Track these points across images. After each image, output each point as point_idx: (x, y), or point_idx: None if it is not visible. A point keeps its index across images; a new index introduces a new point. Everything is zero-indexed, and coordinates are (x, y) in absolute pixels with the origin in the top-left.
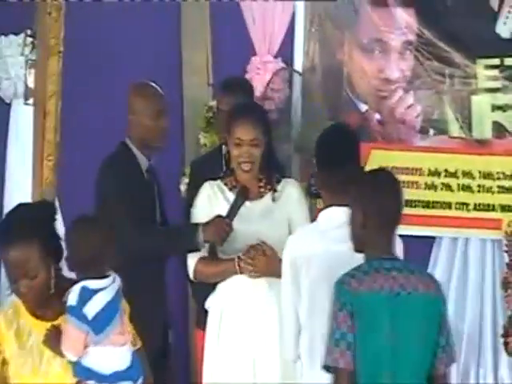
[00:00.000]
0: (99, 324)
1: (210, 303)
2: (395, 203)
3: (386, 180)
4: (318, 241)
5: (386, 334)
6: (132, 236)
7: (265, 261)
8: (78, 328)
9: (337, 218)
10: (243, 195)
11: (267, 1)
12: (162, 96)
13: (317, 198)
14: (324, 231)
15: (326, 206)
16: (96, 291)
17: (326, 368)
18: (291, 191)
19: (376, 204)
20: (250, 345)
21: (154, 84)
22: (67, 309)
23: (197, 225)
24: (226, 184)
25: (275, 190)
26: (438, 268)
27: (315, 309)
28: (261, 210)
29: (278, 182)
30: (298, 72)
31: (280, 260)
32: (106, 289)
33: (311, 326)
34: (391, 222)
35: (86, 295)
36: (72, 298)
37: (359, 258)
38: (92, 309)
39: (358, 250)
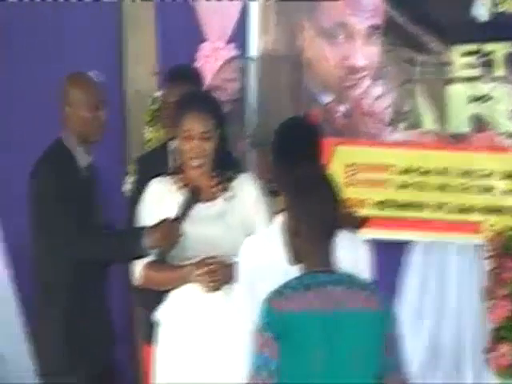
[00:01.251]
0: None
1: (161, 315)
2: (331, 209)
3: (321, 183)
4: (275, 248)
5: (318, 359)
6: (70, 242)
7: (221, 275)
8: None
9: None
10: (194, 196)
11: None
12: (101, 85)
13: (276, 196)
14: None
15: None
16: None
17: None
18: (248, 188)
19: (310, 210)
20: (206, 361)
21: (91, 73)
22: None
23: (142, 229)
24: (175, 182)
25: (229, 191)
26: (411, 277)
27: None
28: (214, 212)
29: (233, 179)
30: (252, 59)
31: (235, 267)
32: None
33: None
34: (328, 230)
35: None
36: None
37: None
38: None
39: (294, 262)
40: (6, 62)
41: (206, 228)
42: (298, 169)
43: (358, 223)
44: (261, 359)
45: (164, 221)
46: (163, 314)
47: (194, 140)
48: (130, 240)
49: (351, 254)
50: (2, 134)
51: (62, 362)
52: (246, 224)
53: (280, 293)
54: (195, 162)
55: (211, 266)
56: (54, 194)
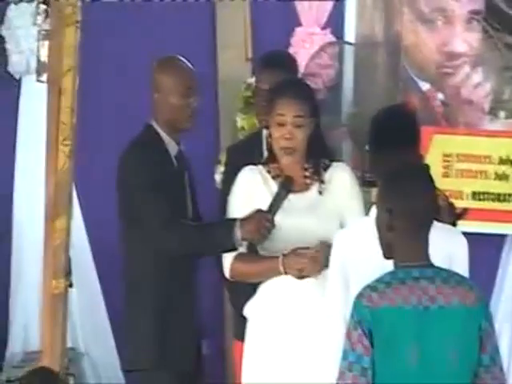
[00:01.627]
0: None
1: (250, 310)
2: (427, 201)
3: (416, 174)
4: (369, 241)
5: (412, 357)
6: (160, 233)
7: (312, 264)
8: None
9: None
10: (287, 186)
11: None
12: (192, 71)
13: (372, 186)
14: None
15: None
16: None
17: None
18: (342, 178)
19: (404, 202)
20: (297, 356)
21: (182, 58)
22: None
23: (234, 220)
24: (268, 171)
25: (323, 182)
26: (510, 271)
27: None
28: (307, 204)
29: (327, 168)
30: (349, 44)
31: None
32: None
33: None
34: (422, 223)
35: None
36: None
37: None
38: None
39: (387, 256)
40: (100, 49)
41: (299, 219)
42: (393, 159)
43: (457, 215)
44: (353, 356)
45: (257, 212)
46: (252, 308)
47: (286, 126)
48: (222, 232)
49: (447, 247)
50: (92, 125)
51: (151, 358)
52: (339, 215)
53: (373, 288)
54: (287, 150)
55: (303, 252)
56: (146, 181)
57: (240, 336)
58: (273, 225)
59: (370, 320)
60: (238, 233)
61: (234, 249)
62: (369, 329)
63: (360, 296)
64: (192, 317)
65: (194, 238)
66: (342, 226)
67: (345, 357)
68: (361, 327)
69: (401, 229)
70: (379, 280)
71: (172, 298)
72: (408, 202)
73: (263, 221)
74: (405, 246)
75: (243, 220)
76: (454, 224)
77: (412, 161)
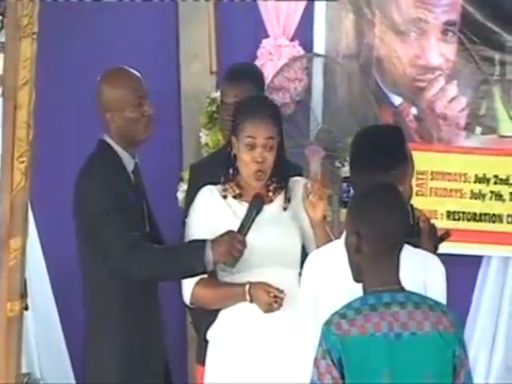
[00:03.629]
0: None
1: (212, 334)
2: (395, 224)
3: (385, 195)
4: (340, 264)
5: None
6: (125, 259)
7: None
8: None
9: None
10: (257, 206)
11: None
12: (139, 78)
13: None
14: None
15: None
16: None
17: None
18: (300, 192)
19: (371, 225)
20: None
21: (127, 68)
22: None
23: (204, 242)
24: (225, 190)
25: (288, 200)
26: (486, 293)
27: None
28: (271, 217)
29: (287, 183)
30: (319, 56)
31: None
32: None
33: None
34: (392, 247)
35: None
36: None
37: None
38: None
39: (356, 279)
40: (61, 62)
41: (264, 234)
42: (367, 180)
43: (439, 238)
44: None
45: (228, 233)
46: (213, 332)
47: (256, 149)
48: (192, 255)
49: (422, 273)
50: (49, 138)
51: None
52: (300, 227)
53: (342, 315)
54: (258, 174)
55: (270, 291)
56: (105, 205)
57: (203, 360)
58: (244, 246)
59: (339, 348)
60: (210, 255)
61: (204, 272)
62: (338, 358)
63: (329, 323)
64: (156, 342)
65: (162, 263)
66: (302, 238)
67: None
68: (330, 356)
69: (369, 252)
70: (348, 306)
71: (138, 322)
72: (375, 226)
73: (235, 242)
74: (374, 269)
75: (214, 241)
76: (435, 247)
77: (381, 181)
